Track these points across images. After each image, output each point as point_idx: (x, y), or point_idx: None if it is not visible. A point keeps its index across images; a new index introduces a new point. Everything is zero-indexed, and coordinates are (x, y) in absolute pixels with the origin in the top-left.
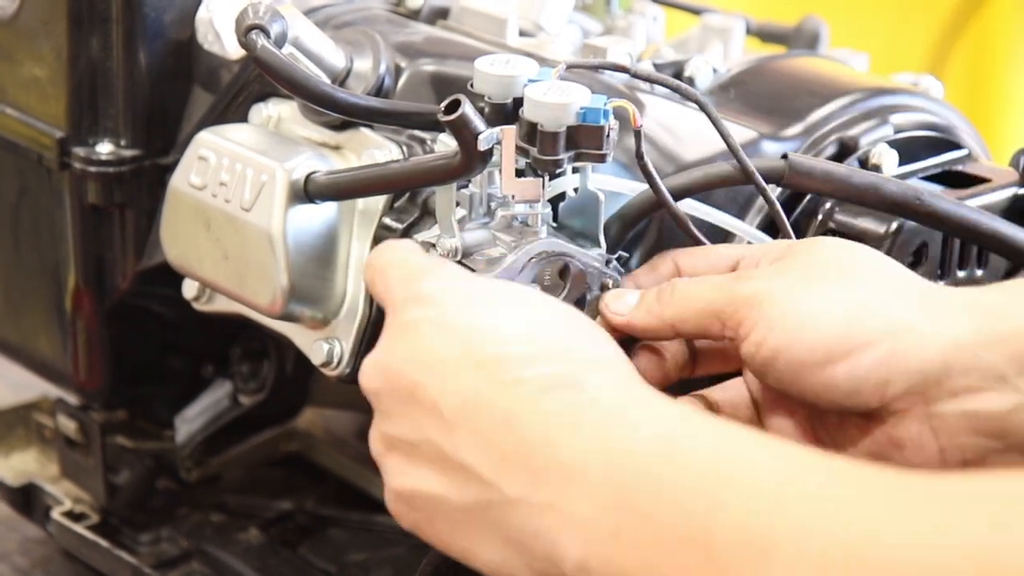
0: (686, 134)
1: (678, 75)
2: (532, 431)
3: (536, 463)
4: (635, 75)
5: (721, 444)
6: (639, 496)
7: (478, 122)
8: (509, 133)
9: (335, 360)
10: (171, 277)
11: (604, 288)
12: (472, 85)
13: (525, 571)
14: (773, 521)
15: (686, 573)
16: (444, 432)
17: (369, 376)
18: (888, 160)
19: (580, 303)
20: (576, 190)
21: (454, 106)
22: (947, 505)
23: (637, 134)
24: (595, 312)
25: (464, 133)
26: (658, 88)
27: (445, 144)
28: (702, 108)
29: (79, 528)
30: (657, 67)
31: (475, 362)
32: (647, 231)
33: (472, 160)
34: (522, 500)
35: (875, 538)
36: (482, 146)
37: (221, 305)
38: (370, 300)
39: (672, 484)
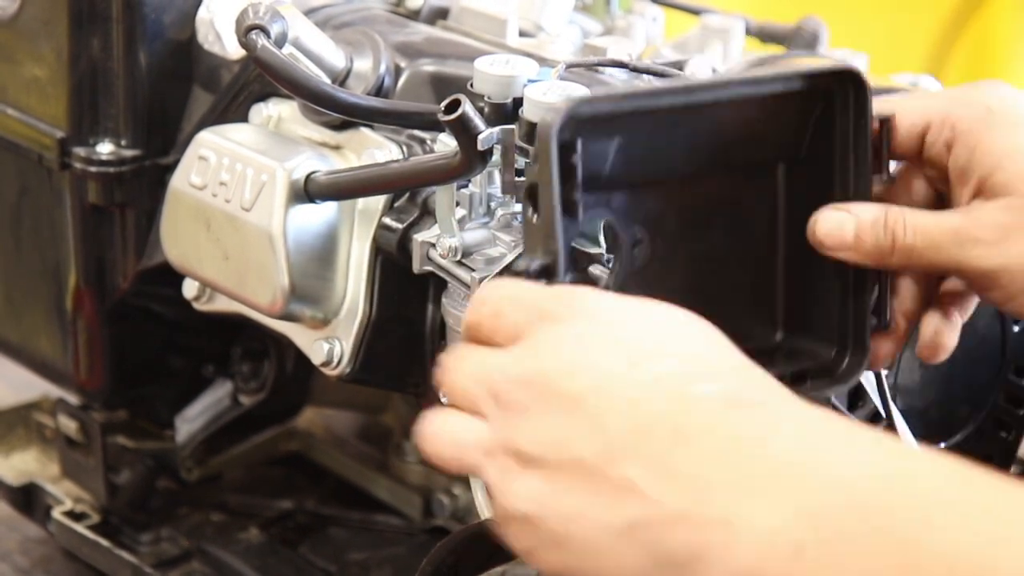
0: None
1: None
2: (711, 446)
3: (714, 478)
4: (633, 69)
5: (926, 470)
6: (835, 513)
7: (478, 122)
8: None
9: (335, 359)
10: (171, 277)
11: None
12: (472, 85)
13: None
14: (990, 546)
15: None
16: (603, 448)
17: (519, 387)
18: None
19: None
20: None
21: (454, 106)
22: None
23: None
24: None
25: (464, 133)
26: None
27: (445, 144)
28: None
29: (80, 527)
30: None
31: (646, 378)
32: None
33: (472, 160)
34: (689, 515)
35: None
36: (482, 146)
37: (221, 305)
38: (370, 300)
39: (878, 507)
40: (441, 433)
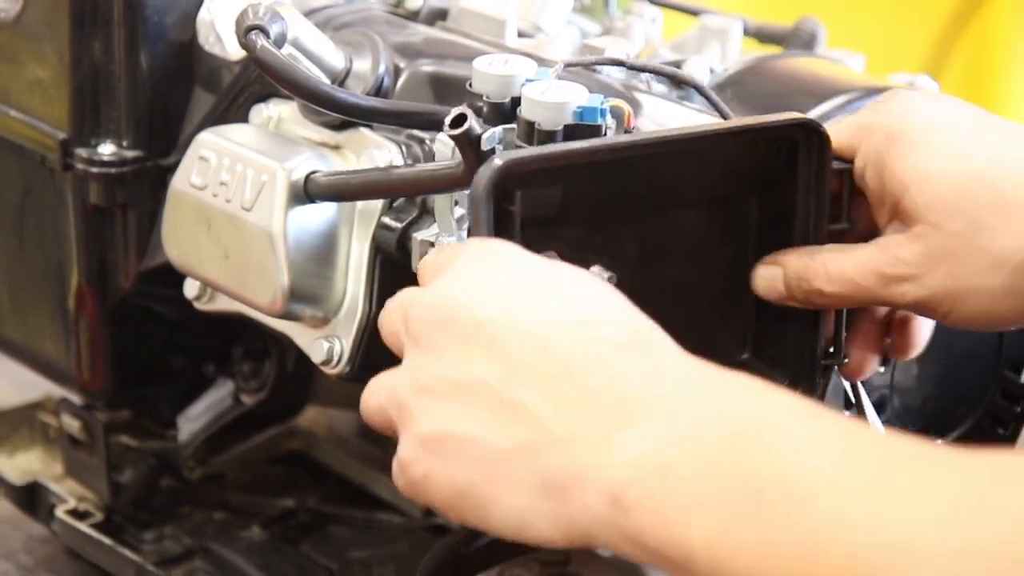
0: None
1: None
2: (600, 380)
3: (599, 407)
4: (631, 67)
5: (801, 417)
6: (703, 442)
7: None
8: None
9: (335, 358)
10: (173, 277)
11: None
12: (471, 85)
13: (546, 521)
14: (843, 486)
15: (733, 508)
16: (504, 371)
17: (425, 308)
18: None
19: None
20: None
21: (460, 120)
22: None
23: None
24: None
25: (469, 146)
26: (656, 88)
27: (444, 143)
28: (700, 91)
29: (83, 526)
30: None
31: (548, 314)
32: None
33: (475, 172)
34: (575, 439)
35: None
36: (485, 146)
37: (222, 304)
38: (370, 299)
39: (744, 442)
40: (368, 391)
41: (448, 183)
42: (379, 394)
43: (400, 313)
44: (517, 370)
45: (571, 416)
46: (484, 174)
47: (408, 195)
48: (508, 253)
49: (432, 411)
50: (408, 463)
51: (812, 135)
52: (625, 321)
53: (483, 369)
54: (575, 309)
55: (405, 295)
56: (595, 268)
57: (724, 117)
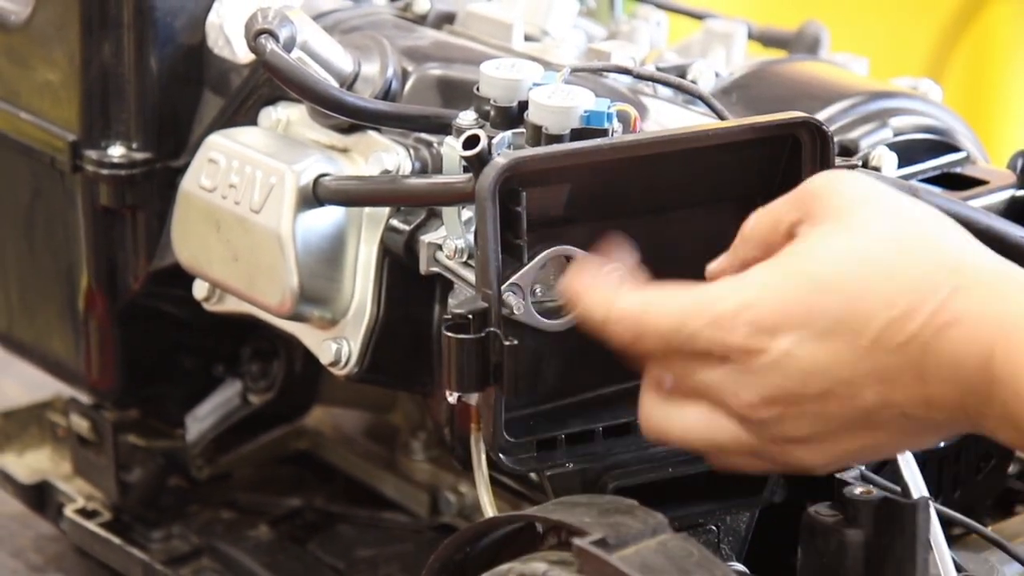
0: None
1: (681, 78)
2: (943, 371)
3: (957, 392)
4: (637, 76)
5: None
6: None
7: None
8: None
9: (343, 359)
10: (182, 278)
11: None
12: (478, 89)
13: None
14: None
15: None
16: (867, 414)
17: (766, 407)
18: (887, 162)
19: None
20: None
21: (473, 141)
22: None
23: None
24: None
25: (481, 166)
26: (661, 91)
27: (451, 147)
28: (705, 101)
29: (92, 525)
30: (661, 71)
31: (866, 346)
32: None
33: None
34: (952, 417)
35: None
36: (494, 152)
37: (231, 305)
38: (378, 301)
39: None
40: (684, 431)
41: (458, 196)
42: (721, 451)
43: (764, 415)
44: (870, 407)
45: (936, 409)
46: (488, 174)
47: (417, 205)
48: (777, 322)
49: (818, 452)
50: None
51: (815, 134)
52: (928, 295)
53: (842, 417)
54: (881, 323)
55: (751, 402)
56: (610, 265)
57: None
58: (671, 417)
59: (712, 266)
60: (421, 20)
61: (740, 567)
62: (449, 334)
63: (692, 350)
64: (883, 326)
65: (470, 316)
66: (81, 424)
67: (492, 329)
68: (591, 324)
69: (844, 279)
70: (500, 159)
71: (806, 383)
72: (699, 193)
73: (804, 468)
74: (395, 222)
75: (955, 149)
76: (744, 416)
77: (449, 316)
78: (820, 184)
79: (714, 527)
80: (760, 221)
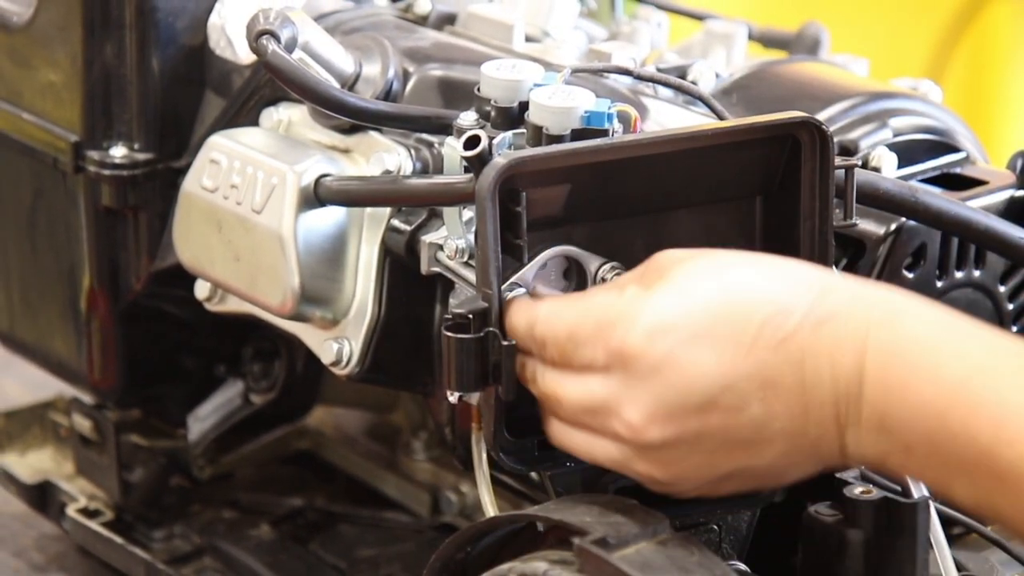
0: None
1: (681, 79)
2: (821, 373)
3: (830, 395)
4: (638, 77)
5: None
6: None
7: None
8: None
9: (344, 359)
10: (184, 278)
11: None
12: (479, 89)
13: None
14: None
15: None
16: (752, 428)
17: (658, 427)
18: (887, 163)
19: None
20: None
21: (474, 142)
22: None
23: None
24: None
25: (482, 166)
26: (662, 92)
27: (452, 147)
28: (705, 102)
29: (94, 525)
30: (661, 72)
31: (748, 342)
32: None
33: None
34: (826, 430)
35: None
36: (495, 151)
37: (233, 306)
38: (379, 301)
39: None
40: (571, 444)
41: (458, 197)
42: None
43: (650, 427)
44: (756, 418)
45: (812, 420)
46: (488, 174)
47: (418, 205)
48: (660, 321)
49: (692, 477)
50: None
51: (815, 134)
52: (802, 292)
53: (724, 434)
54: (753, 317)
55: (645, 413)
56: (608, 265)
57: None
58: (573, 435)
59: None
60: (422, 21)
61: (742, 566)
62: (449, 334)
63: (582, 362)
64: (761, 323)
65: (470, 316)
66: (83, 424)
67: (492, 329)
68: (518, 339)
69: (715, 286)
70: (500, 159)
71: (689, 392)
72: (699, 193)
73: (673, 493)
74: (396, 222)
75: (955, 149)
76: (631, 441)
77: (450, 316)
78: (662, 256)
79: (716, 527)
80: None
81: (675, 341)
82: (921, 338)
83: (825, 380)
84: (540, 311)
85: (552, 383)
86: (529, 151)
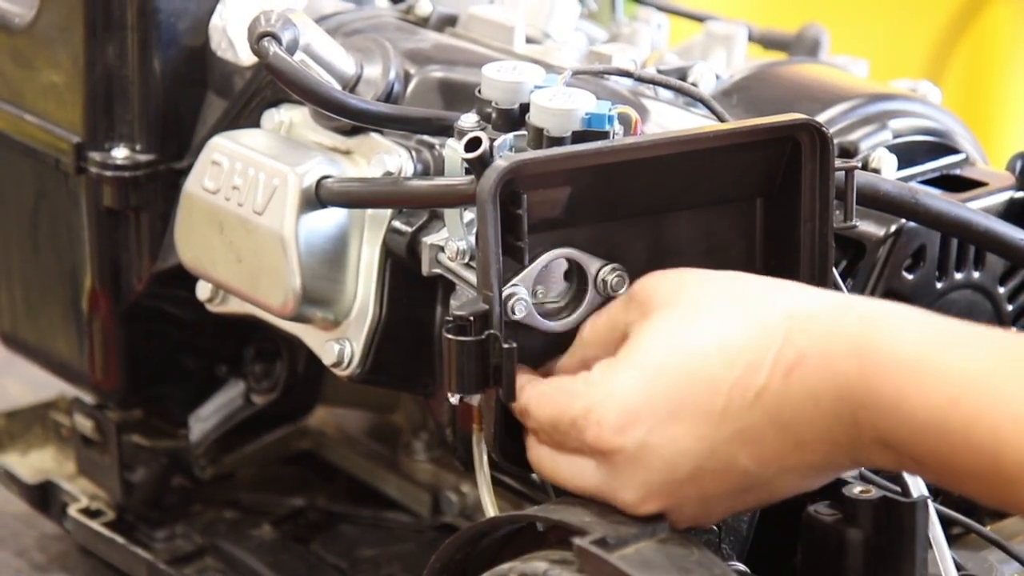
0: None
1: (682, 80)
2: (804, 411)
3: (823, 427)
4: (638, 78)
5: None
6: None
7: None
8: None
9: (346, 360)
10: (185, 279)
11: (605, 292)
12: (480, 91)
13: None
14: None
15: None
16: (746, 478)
17: (655, 502)
18: (887, 164)
19: (577, 302)
20: None
21: (475, 144)
22: None
23: None
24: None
25: (483, 168)
26: (662, 94)
27: (453, 149)
28: (705, 104)
29: (95, 525)
30: (661, 73)
31: (719, 413)
32: None
33: None
34: (830, 454)
35: None
36: (497, 153)
37: (234, 306)
38: (380, 302)
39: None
40: (560, 477)
41: (459, 199)
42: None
43: (633, 499)
44: (747, 469)
45: (810, 451)
46: (489, 177)
47: (418, 207)
48: (612, 399)
49: (689, 519)
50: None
51: (815, 136)
52: (765, 345)
53: (722, 488)
54: (733, 379)
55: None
56: (608, 267)
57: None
58: (559, 465)
59: (556, 365)
60: (423, 23)
61: (741, 567)
62: (449, 336)
63: (572, 447)
64: (730, 388)
65: (471, 318)
66: (85, 424)
67: (492, 331)
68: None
69: (679, 360)
70: (501, 162)
71: (674, 469)
72: (699, 195)
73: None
74: (397, 224)
75: (954, 151)
76: (638, 515)
77: (451, 318)
78: (645, 285)
79: (715, 527)
80: (596, 325)
81: (646, 430)
82: (904, 358)
83: (811, 419)
84: (525, 396)
85: (549, 462)
86: (530, 154)
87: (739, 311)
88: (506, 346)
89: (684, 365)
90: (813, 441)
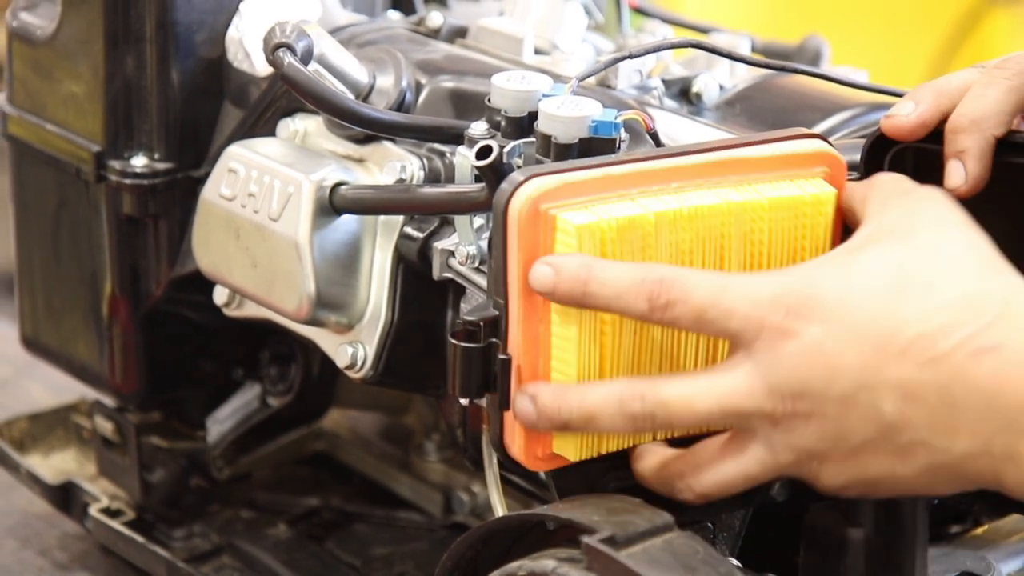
0: None
1: (686, 91)
2: (972, 398)
3: (981, 423)
4: (631, 56)
5: None
6: None
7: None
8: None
9: (359, 363)
10: (203, 284)
11: None
12: (490, 100)
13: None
14: None
15: None
16: (883, 427)
17: (782, 400)
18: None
19: None
20: None
21: (486, 152)
22: None
23: (653, 136)
24: None
25: (494, 176)
26: (667, 103)
27: (464, 156)
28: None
29: (116, 524)
30: (666, 83)
31: (895, 353)
32: None
33: None
34: (976, 456)
35: None
36: (506, 159)
37: (250, 311)
38: (392, 306)
39: None
40: (724, 476)
41: (471, 206)
42: (747, 478)
43: (742, 408)
44: (892, 422)
45: (960, 439)
46: (506, 189)
47: (430, 214)
48: (822, 303)
49: (836, 470)
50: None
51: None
52: (970, 309)
53: (866, 431)
54: (914, 331)
55: (758, 385)
56: None
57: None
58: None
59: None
60: (434, 34)
61: (734, 562)
62: (454, 342)
63: (722, 328)
64: (913, 337)
65: (481, 323)
66: (105, 426)
67: (493, 340)
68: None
69: (885, 283)
70: (517, 174)
71: (831, 381)
72: None
73: (824, 486)
74: (409, 229)
75: None
76: (763, 409)
77: (460, 322)
78: (886, 183)
79: (710, 524)
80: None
81: (825, 332)
82: None
83: (978, 408)
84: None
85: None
86: (545, 166)
87: (963, 265)
88: (502, 357)
89: (887, 291)
90: (969, 433)
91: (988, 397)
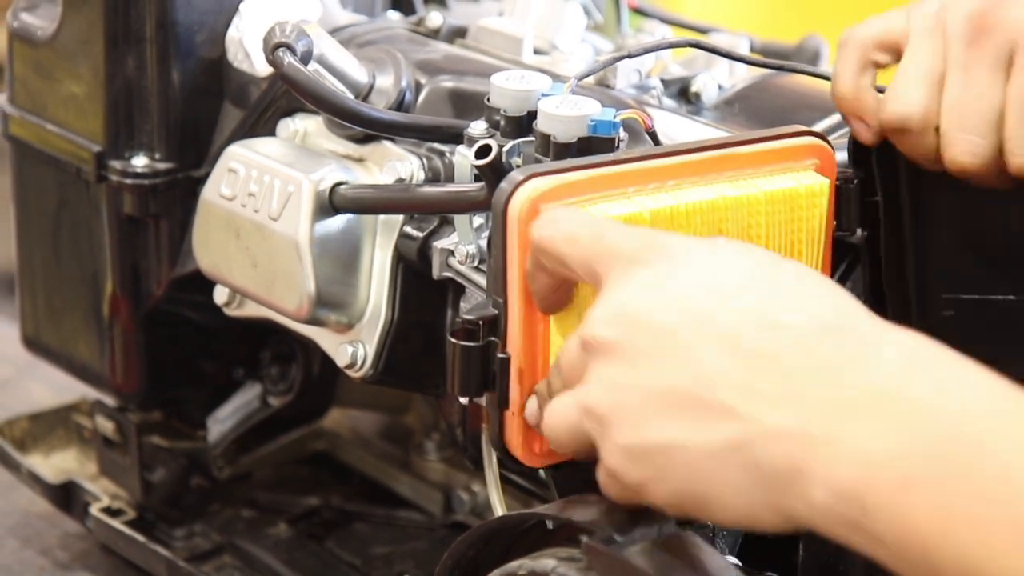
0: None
1: (685, 91)
2: (807, 369)
3: (812, 397)
4: (630, 55)
5: None
6: (952, 450)
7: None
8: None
9: (359, 362)
10: (203, 284)
11: None
12: (489, 99)
13: (767, 512)
14: None
15: (991, 533)
16: (698, 374)
17: (606, 325)
18: None
19: None
20: None
21: (485, 151)
22: None
23: (652, 135)
24: None
25: (494, 175)
26: (665, 102)
27: (463, 156)
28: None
29: (116, 523)
30: (665, 82)
31: (734, 309)
32: None
33: None
34: (790, 432)
35: None
36: (505, 158)
37: (251, 310)
38: (392, 305)
39: (985, 446)
40: (553, 422)
41: (470, 205)
42: (568, 414)
43: (598, 324)
44: (710, 372)
45: (781, 408)
46: (505, 188)
47: (430, 213)
48: (675, 249)
49: (633, 421)
50: (618, 473)
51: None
52: (817, 297)
53: (676, 375)
54: (759, 297)
55: (602, 308)
56: None
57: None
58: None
59: None
60: (434, 34)
61: (733, 561)
62: (453, 340)
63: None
64: (762, 302)
65: (480, 322)
66: (106, 426)
67: (492, 339)
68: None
69: (743, 263)
70: (517, 173)
71: (662, 311)
72: None
73: (604, 463)
74: (409, 229)
75: None
76: (585, 339)
77: (460, 321)
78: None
79: (710, 523)
80: None
81: (674, 271)
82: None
83: (813, 383)
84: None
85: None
86: (544, 165)
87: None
88: (501, 356)
89: (744, 264)
90: (788, 405)
91: (825, 373)
